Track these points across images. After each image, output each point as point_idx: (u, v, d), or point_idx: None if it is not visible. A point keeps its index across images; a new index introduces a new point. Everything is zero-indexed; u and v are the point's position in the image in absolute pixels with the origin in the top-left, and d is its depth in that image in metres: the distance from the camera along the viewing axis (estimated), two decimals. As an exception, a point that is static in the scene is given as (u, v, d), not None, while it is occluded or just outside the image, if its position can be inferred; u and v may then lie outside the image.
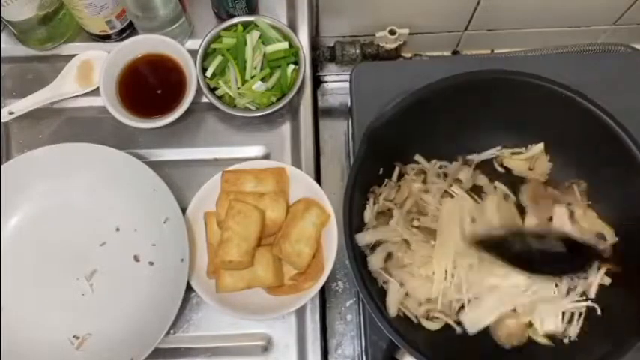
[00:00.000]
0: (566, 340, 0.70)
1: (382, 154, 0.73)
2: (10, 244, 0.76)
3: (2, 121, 0.80)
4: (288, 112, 0.83)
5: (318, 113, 0.96)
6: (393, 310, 0.69)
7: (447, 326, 0.70)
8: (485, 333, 0.71)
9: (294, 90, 0.78)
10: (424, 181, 0.75)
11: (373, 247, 0.71)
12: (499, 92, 0.72)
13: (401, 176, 0.76)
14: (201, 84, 0.78)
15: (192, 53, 0.79)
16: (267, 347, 0.75)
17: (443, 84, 0.71)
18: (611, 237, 0.72)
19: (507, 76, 0.72)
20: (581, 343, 0.69)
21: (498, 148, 0.78)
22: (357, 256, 0.66)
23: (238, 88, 0.78)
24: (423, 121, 0.73)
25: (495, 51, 1.06)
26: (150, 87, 0.82)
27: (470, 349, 0.70)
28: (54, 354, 0.72)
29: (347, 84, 0.81)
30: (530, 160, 0.77)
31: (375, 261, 0.70)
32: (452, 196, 0.74)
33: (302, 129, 0.82)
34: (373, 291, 0.67)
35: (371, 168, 0.73)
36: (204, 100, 0.80)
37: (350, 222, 0.67)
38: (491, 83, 0.72)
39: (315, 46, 0.99)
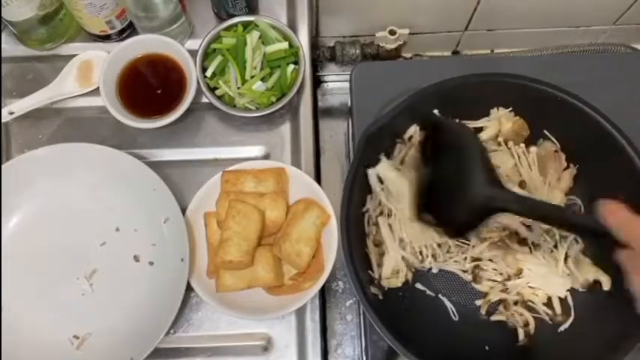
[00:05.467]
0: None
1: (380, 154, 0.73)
2: (10, 244, 0.76)
3: (2, 121, 0.80)
4: (288, 112, 0.83)
5: (318, 113, 0.96)
6: (386, 271, 0.70)
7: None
8: (488, 339, 0.71)
9: (294, 90, 0.78)
10: None
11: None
12: (497, 94, 0.72)
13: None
14: (201, 84, 0.78)
15: (192, 53, 0.79)
16: (267, 347, 0.75)
17: (441, 86, 0.70)
18: (607, 283, 0.70)
19: (504, 79, 0.72)
20: (581, 344, 0.69)
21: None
22: (353, 254, 0.66)
23: (238, 88, 0.78)
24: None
25: (495, 51, 1.06)
26: (150, 87, 0.82)
27: (471, 350, 0.70)
28: (54, 354, 0.72)
29: (347, 84, 0.81)
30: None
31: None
32: None
33: (302, 129, 0.82)
34: (367, 290, 0.67)
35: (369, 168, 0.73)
36: (204, 100, 0.80)
37: (348, 221, 0.67)
38: (488, 85, 0.72)
39: (315, 46, 0.99)
